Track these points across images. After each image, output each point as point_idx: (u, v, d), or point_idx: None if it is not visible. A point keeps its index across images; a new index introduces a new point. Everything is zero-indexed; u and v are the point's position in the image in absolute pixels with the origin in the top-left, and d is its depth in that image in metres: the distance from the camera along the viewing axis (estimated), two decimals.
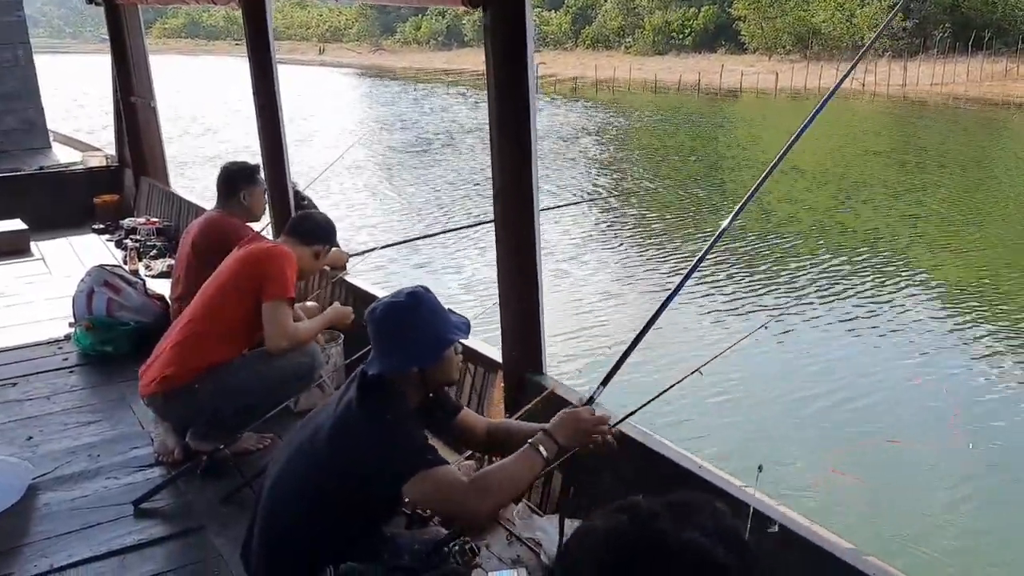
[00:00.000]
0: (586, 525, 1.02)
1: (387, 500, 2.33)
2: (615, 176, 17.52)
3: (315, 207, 5.25)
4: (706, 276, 9.53)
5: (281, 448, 2.46)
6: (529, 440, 2.26)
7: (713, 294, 9.15)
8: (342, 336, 4.06)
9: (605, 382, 2.36)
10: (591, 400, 2.37)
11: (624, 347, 2.46)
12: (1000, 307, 8.72)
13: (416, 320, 2.24)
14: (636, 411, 2.50)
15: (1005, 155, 22.21)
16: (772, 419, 5.36)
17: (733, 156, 20.62)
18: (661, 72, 44.77)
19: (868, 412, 5.68)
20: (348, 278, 4.58)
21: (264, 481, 2.41)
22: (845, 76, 2.65)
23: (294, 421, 3.45)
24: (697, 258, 2.58)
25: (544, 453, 2.23)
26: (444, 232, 9.29)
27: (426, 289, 2.33)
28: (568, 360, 6.89)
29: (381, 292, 4.50)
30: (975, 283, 9.66)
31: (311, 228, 3.64)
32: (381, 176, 17.59)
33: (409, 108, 34.47)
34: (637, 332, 2.48)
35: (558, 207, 11.75)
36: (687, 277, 2.50)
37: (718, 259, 10.26)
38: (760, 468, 2.03)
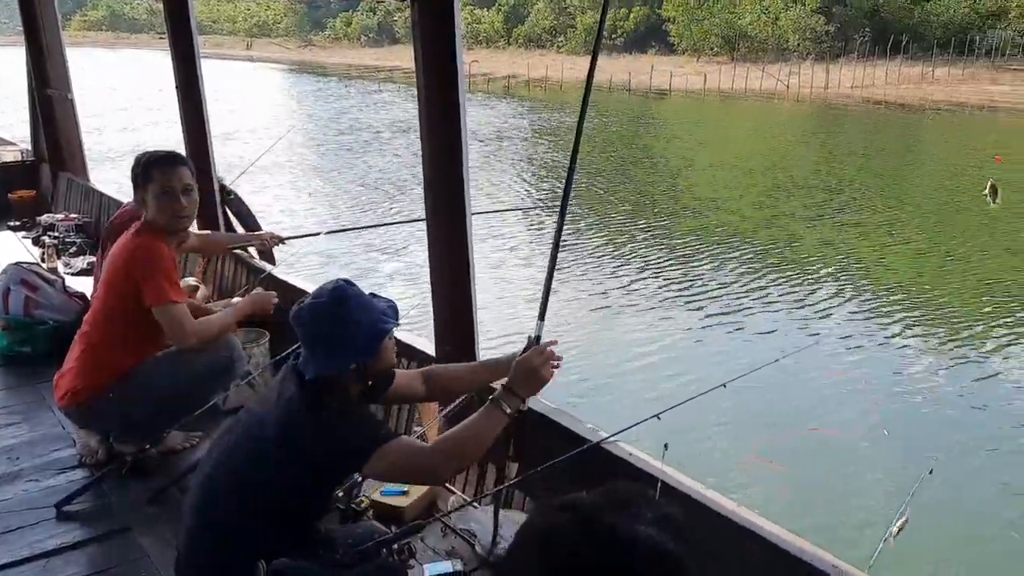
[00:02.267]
0: (530, 526, 1.01)
1: (331, 488, 2.35)
2: (547, 177, 17.64)
3: (241, 201, 5.17)
4: (638, 281, 9.70)
5: (213, 446, 2.42)
6: (491, 397, 2.27)
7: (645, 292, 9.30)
8: (267, 335, 4.00)
9: (541, 316, 2.36)
10: (537, 339, 2.35)
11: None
12: (922, 300, 9.07)
13: (345, 316, 2.21)
14: (636, 425, 2.48)
15: (921, 155, 23.09)
16: (696, 409, 5.50)
17: (655, 153, 20.95)
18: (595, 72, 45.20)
19: (791, 403, 5.86)
20: (276, 273, 4.52)
21: (195, 481, 2.37)
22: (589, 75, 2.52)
23: (223, 419, 3.41)
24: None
25: (507, 409, 2.24)
26: (378, 226, 9.21)
27: (348, 282, 2.29)
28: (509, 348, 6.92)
29: (312, 287, 4.46)
30: (897, 277, 10.04)
31: None
32: (311, 172, 17.38)
33: (340, 104, 34.10)
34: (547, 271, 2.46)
35: (497, 211, 11.76)
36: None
37: (658, 262, 10.46)
38: (665, 446, 2.21)
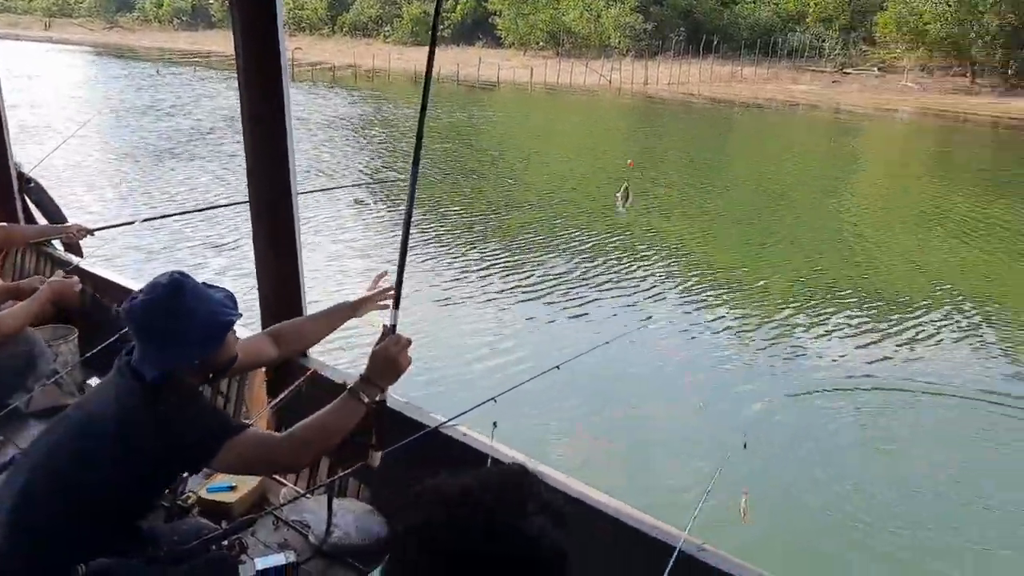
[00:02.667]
0: (415, 523, 1.00)
1: (162, 490, 2.30)
2: (371, 160, 17.48)
3: (43, 190, 4.80)
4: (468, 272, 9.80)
5: (30, 448, 2.26)
6: (348, 387, 2.23)
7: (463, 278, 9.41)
8: (76, 331, 3.75)
9: (396, 304, 2.33)
10: (393, 328, 2.32)
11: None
12: (736, 283, 9.69)
13: (183, 311, 2.12)
14: (484, 403, 2.54)
15: (732, 147, 24.67)
16: (532, 392, 5.67)
17: (489, 144, 21.25)
18: (420, 63, 45.10)
19: (621, 383, 6.11)
20: (85, 265, 4.24)
21: (6, 484, 2.21)
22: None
23: (27, 421, 3.18)
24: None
25: (365, 399, 2.21)
26: (199, 210, 8.76)
27: (182, 274, 2.20)
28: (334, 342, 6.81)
29: (131, 282, 4.23)
30: (719, 262, 10.68)
31: None
32: (123, 161, 16.32)
33: (155, 91, 32.20)
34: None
35: (324, 190, 11.50)
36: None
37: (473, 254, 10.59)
38: (495, 424, 2.33)
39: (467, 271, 9.56)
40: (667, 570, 2.01)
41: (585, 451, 5.14)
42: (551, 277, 9.42)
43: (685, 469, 4.89)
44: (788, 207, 14.34)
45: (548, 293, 8.82)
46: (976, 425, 6.50)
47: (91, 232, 4.26)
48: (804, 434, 6.10)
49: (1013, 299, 9.92)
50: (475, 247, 10.80)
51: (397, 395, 2.87)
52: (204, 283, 2.36)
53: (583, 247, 10.70)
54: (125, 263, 8.52)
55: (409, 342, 2.30)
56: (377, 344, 2.30)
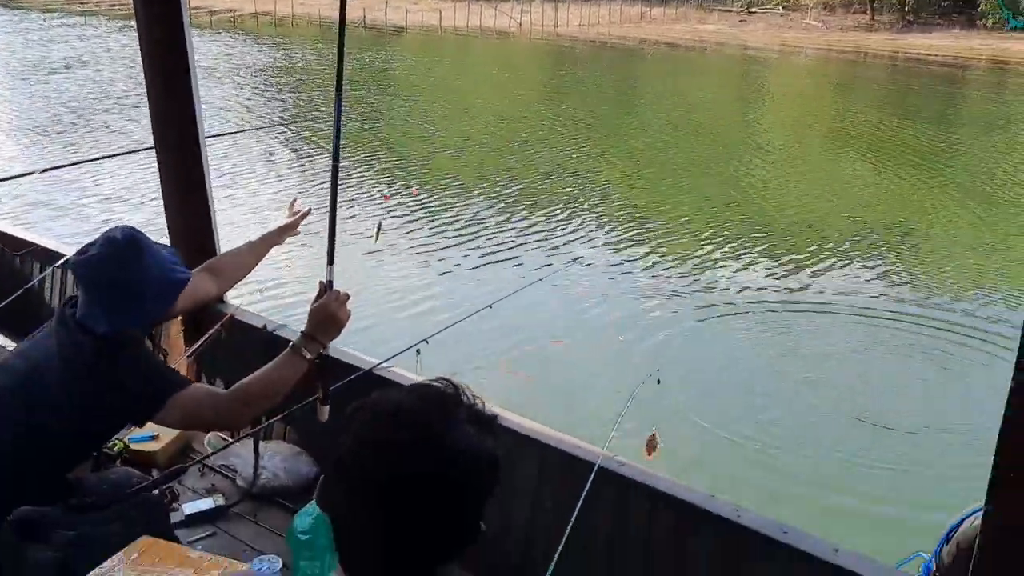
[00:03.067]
0: (349, 445, 1.02)
1: (100, 443, 2.29)
2: (286, 108, 17.05)
3: None
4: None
5: None
6: (291, 344, 2.22)
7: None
8: None
9: (331, 260, 2.34)
10: (330, 284, 2.31)
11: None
12: (656, 219, 9.86)
13: (141, 268, 2.10)
14: (416, 344, 2.61)
15: (646, 87, 24.88)
16: (464, 332, 5.76)
17: (403, 91, 20.94)
18: (324, 8, 43.74)
19: (547, 320, 6.19)
20: None
21: None
22: None
23: None
24: None
25: (307, 355, 2.20)
26: (104, 158, 8.37)
27: (135, 230, 2.17)
28: (253, 287, 6.71)
29: (37, 237, 4.11)
30: (631, 198, 10.85)
31: None
32: (12, 113, 15.47)
33: (48, 42, 30.41)
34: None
35: (229, 134, 11.16)
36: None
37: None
38: (418, 351, 2.50)
39: (392, 219, 9.49)
40: (587, 484, 2.18)
41: (511, 386, 5.26)
42: (476, 223, 9.43)
43: (605, 398, 5.06)
44: (704, 143, 14.64)
45: (474, 239, 8.84)
46: (883, 343, 6.85)
47: None
48: (717, 360, 6.35)
49: (919, 219, 10.39)
50: (398, 194, 10.71)
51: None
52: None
53: (507, 192, 10.72)
54: (34, 220, 8.11)
55: (347, 297, 2.31)
56: (315, 301, 2.30)
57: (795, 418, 5.51)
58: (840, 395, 5.84)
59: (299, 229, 2.82)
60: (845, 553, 1.99)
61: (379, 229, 5.23)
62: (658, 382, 2.61)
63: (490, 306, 2.75)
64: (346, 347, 2.86)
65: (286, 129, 13.76)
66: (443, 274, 7.81)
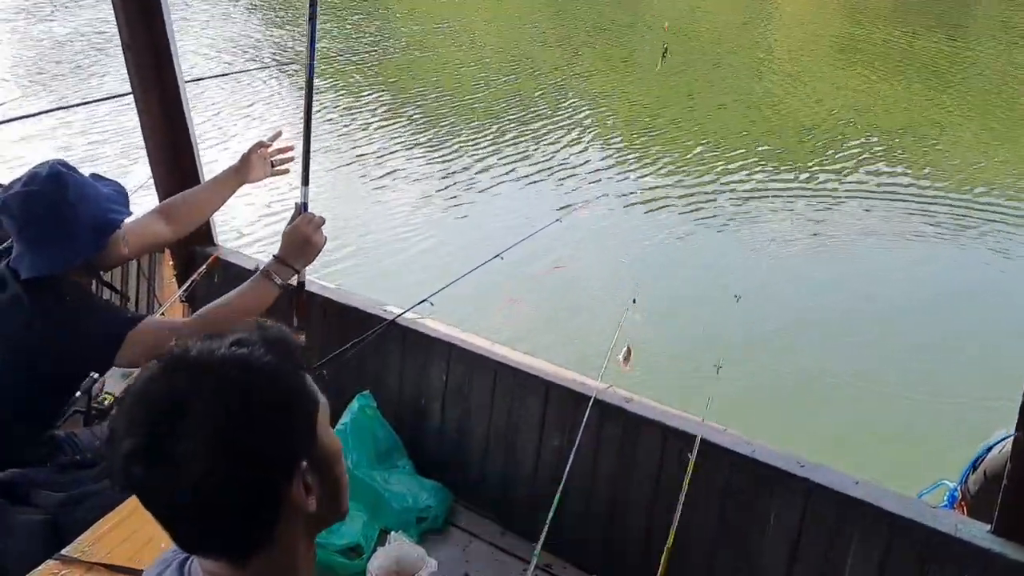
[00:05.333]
0: (126, 388, 0.96)
1: (64, 397, 2.16)
2: (277, 46, 16.58)
3: None
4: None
5: None
6: (261, 268, 2.13)
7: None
8: None
9: (305, 181, 2.26)
10: (304, 207, 2.23)
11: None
12: (679, 154, 9.55)
13: (65, 207, 1.96)
14: (436, 293, 2.53)
15: (645, 8, 24.07)
16: (455, 263, 5.63)
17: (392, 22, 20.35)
18: None
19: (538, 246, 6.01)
20: None
21: None
22: None
23: None
24: None
25: (278, 280, 2.10)
26: (83, 104, 8.15)
27: (64, 164, 2.03)
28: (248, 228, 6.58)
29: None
30: (644, 121, 10.49)
31: None
32: None
33: None
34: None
35: (215, 76, 10.81)
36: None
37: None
38: (431, 304, 2.39)
39: (395, 157, 9.22)
40: (586, 413, 2.16)
41: (508, 314, 5.18)
42: (486, 160, 9.13)
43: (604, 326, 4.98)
44: (709, 59, 14.17)
45: (486, 176, 8.56)
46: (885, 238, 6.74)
47: None
48: (723, 269, 6.22)
49: (925, 128, 10.08)
50: (397, 131, 10.38)
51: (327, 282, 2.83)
52: (93, 174, 2.20)
53: (510, 127, 10.35)
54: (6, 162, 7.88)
55: (322, 220, 2.21)
56: (289, 224, 2.20)
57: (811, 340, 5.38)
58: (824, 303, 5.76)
59: (281, 165, 2.62)
60: (865, 484, 1.92)
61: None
62: (633, 301, 2.54)
63: (501, 256, 2.64)
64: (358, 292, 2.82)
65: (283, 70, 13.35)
66: (445, 215, 7.58)
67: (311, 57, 2.23)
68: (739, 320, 5.33)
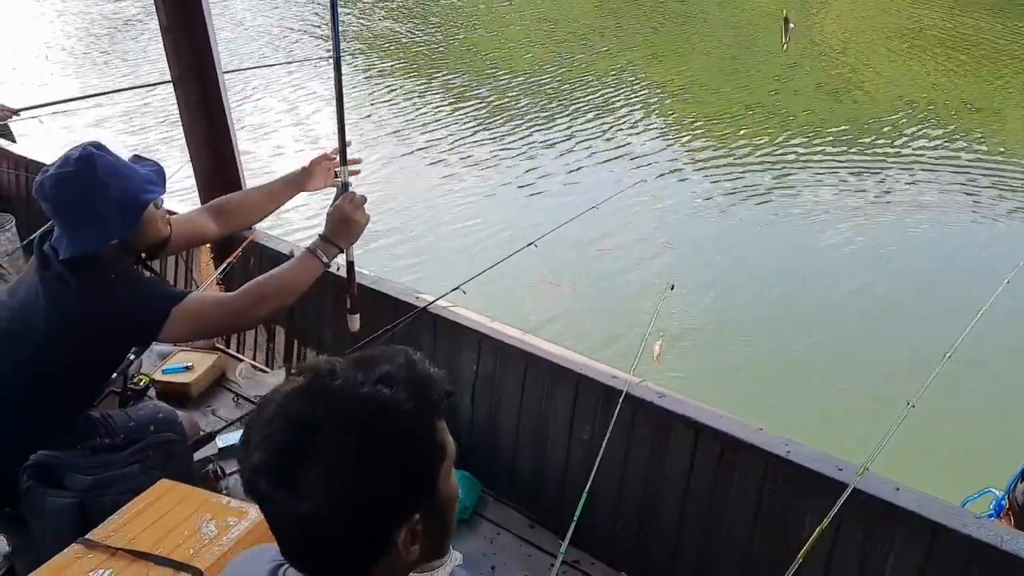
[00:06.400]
0: (268, 394, 0.93)
1: (105, 375, 2.20)
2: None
3: None
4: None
5: None
6: (307, 246, 2.19)
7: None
8: (12, 218, 3.62)
9: (343, 161, 2.28)
10: (345, 186, 2.27)
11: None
12: (720, 132, 9.37)
13: (95, 188, 1.97)
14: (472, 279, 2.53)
15: None
16: (490, 248, 5.57)
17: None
18: None
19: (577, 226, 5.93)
20: (16, 150, 4.04)
21: None
22: None
23: None
24: None
25: (324, 258, 2.17)
26: (127, 89, 8.28)
27: (98, 146, 2.04)
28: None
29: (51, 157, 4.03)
30: (695, 105, 10.31)
31: None
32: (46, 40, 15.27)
33: None
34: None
35: (252, 68, 10.82)
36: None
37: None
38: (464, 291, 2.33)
39: (429, 135, 9.19)
40: (617, 407, 2.12)
41: (545, 296, 5.12)
42: (528, 142, 9.03)
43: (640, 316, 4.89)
44: (766, 45, 13.81)
45: (528, 160, 8.49)
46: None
47: (15, 112, 4.02)
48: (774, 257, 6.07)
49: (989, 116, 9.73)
50: (446, 110, 10.33)
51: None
52: (136, 155, 2.21)
53: (554, 109, 10.23)
54: (65, 142, 8.04)
55: (364, 199, 2.25)
56: (332, 204, 2.25)
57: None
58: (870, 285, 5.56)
59: (342, 177, 2.41)
60: (907, 491, 1.84)
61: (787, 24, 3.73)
62: (671, 288, 2.49)
63: (535, 244, 2.62)
64: (399, 280, 2.81)
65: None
66: (489, 197, 7.53)
67: (335, 37, 2.20)
68: (782, 311, 5.21)
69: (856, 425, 4.04)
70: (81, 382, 2.12)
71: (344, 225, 2.21)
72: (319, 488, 0.86)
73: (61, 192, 1.98)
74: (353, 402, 0.89)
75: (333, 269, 2.33)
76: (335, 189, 2.43)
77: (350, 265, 2.38)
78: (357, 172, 2.52)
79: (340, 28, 2.21)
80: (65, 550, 1.71)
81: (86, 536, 1.75)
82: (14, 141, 4.35)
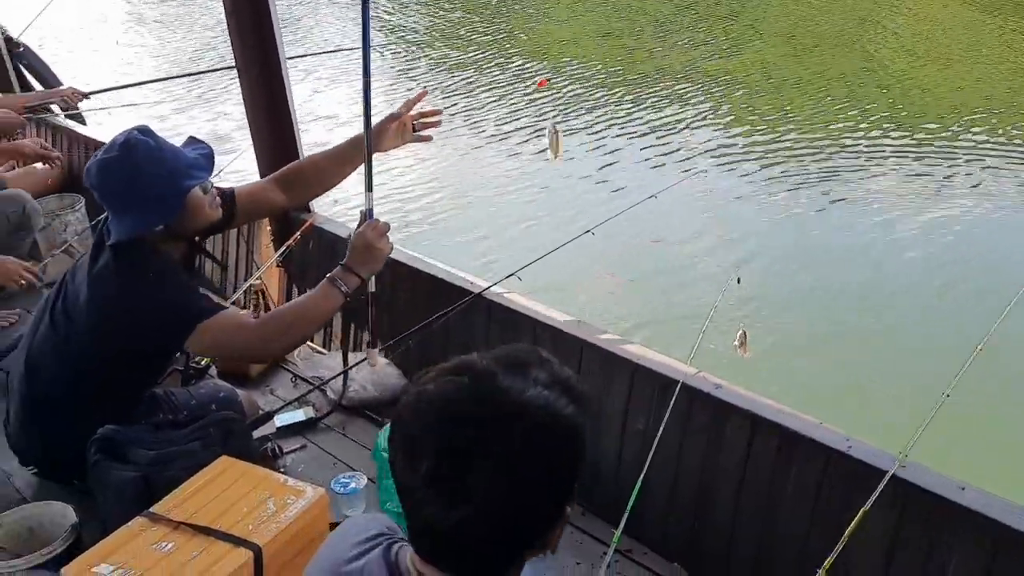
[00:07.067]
0: (418, 389, 0.93)
1: (161, 359, 2.24)
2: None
3: (33, 55, 4.64)
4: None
5: (35, 318, 2.25)
6: (328, 275, 2.11)
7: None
8: (82, 198, 3.72)
9: (369, 187, 2.21)
10: (369, 213, 2.18)
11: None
12: (782, 128, 9.14)
13: (136, 173, 1.98)
14: (527, 266, 2.52)
15: None
16: (545, 238, 5.55)
17: None
18: None
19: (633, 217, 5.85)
20: (86, 132, 4.15)
21: (19, 355, 2.22)
22: None
23: (41, 292, 3.18)
24: None
25: (343, 288, 2.08)
26: (189, 75, 8.45)
27: (143, 130, 2.05)
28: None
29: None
30: (749, 103, 10.06)
31: None
32: (116, 24, 15.52)
33: None
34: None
35: (309, 55, 10.90)
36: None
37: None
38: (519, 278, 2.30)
39: (474, 120, 9.14)
40: (673, 397, 2.09)
41: (604, 288, 5.09)
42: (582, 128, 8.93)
43: (691, 299, 4.80)
44: (825, 47, 13.36)
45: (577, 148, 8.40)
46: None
47: (86, 95, 4.12)
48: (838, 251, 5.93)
49: None
50: (480, 92, 10.25)
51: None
52: (191, 137, 2.23)
53: (601, 96, 10.09)
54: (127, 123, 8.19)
55: (387, 227, 2.17)
56: (356, 230, 2.17)
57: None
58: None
59: (424, 130, 2.44)
60: (971, 490, 1.78)
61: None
62: (738, 281, 2.44)
63: (591, 232, 2.58)
64: (452, 268, 2.80)
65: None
66: (539, 186, 7.49)
67: (366, 52, 2.11)
68: (850, 306, 5.09)
69: (920, 416, 3.94)
70: (135, 365, 2.14)
71: (367, 253, 2.11)
72: (482, 492, 0.86)
73: (104, 179, 2.01)
74: (520, 405, 0.89)
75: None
76: (415, 143, 2.40)
77: (372, 297, 2.29)
78: (437, 124, 2.44)
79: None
80: (130, 522, 1.77)
81: (150, 509, 1.80)
82: (84, 124, 4.46)
